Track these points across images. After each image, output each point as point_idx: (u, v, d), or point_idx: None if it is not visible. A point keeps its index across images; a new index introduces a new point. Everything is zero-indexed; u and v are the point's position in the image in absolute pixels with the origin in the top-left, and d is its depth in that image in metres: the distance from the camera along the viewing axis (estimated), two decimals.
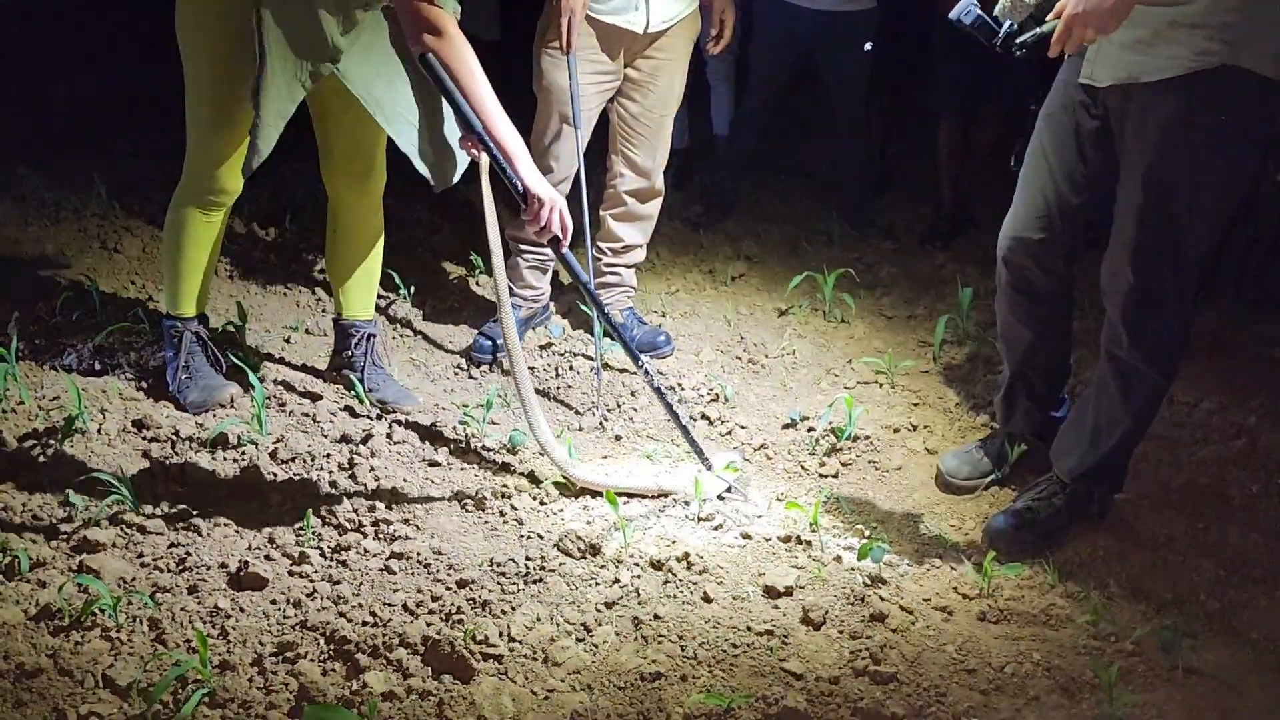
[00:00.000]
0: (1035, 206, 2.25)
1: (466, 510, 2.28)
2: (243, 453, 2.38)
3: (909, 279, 3.81)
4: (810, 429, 2.72)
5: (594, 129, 3.00)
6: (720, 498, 2.35)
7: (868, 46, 3.96)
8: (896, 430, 2.75)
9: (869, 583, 2.09)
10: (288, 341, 3.09)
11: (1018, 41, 2.00)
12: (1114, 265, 2.14)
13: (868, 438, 2.68)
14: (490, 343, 3.00)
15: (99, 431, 2.43)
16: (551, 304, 3.25)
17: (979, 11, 2.05)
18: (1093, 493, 2.31)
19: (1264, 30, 1.89)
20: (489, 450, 2.52)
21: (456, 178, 2.49)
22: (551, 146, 2.92)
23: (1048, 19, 1.94)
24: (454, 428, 2.59)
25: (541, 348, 3.11)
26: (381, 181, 2.64)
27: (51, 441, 2.36)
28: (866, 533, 2.31)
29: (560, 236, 2.25)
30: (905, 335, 3.35)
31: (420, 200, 3.86)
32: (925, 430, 2.77)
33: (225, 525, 2.14)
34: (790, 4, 3.91)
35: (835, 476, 2.55)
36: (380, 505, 2.24)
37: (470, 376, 2.98)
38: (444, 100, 2.27)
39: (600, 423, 2.74)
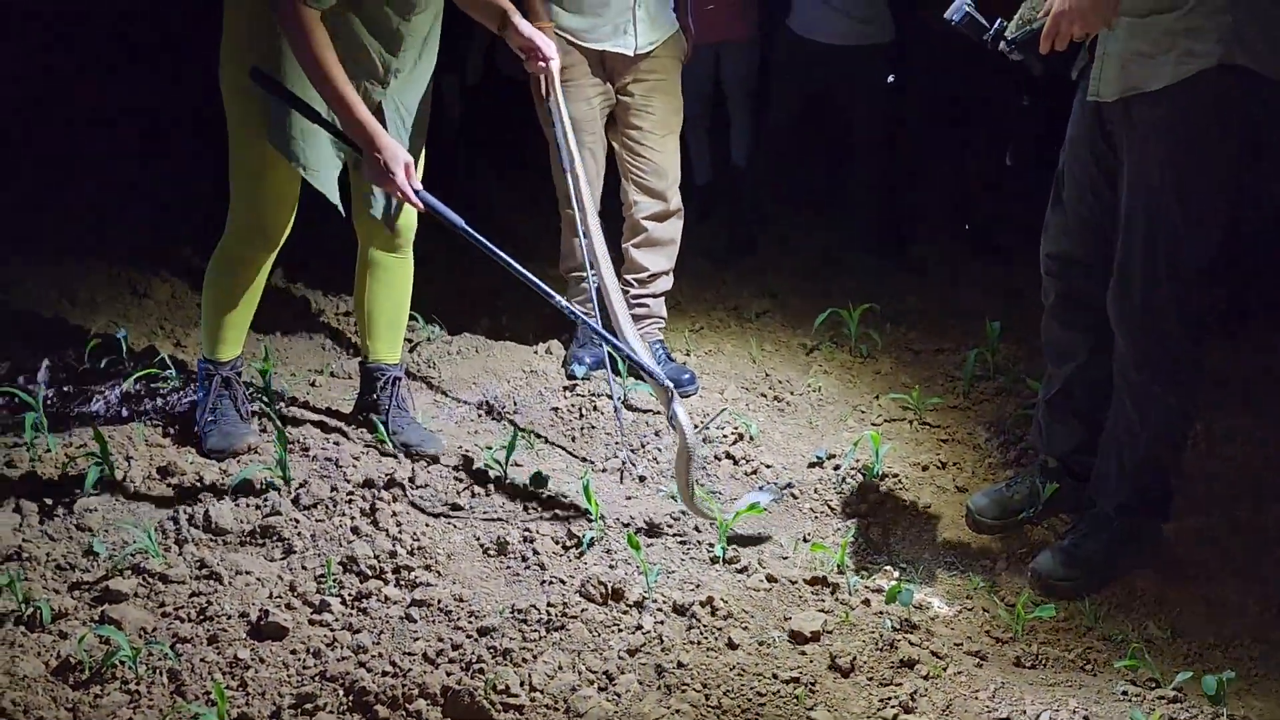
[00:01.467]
0: (1069, 223, 2.25)
1: (489, 555, 2.26)
2: (265, 499, 2.37)
3: (936, 312, 3.77)
4: (837, 467, 2.68)
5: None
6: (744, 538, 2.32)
7: (890, 79, 3.96)
8: (925, 468, 2.70)
9: (898, 627, 2.04)
10: (313, 385, 3.10)
11: (1007, 38, 2.01)
12: (1117, 284, 2.12)
13: (896, 476, 2.64)
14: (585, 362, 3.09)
15: (125, 479, 2.44)
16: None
17: (969, 9, 2.05)
18: (1139, 525, 2.26)
19: (1255, 27, 1.89)
20: (512, 493, 2.50)
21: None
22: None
23: (1037, 16, 1.96)
24: (477, 471, 2.58)
25: (565, 388, 3.10)
26: (412, 228, 2.66)
27: (77, 489, 2.37)
28: (895, 574, 2.26)
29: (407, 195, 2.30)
30: (933, 370, 3.31)
31: (445, 238, 3.88)
32: (955, 468, 2.72)
33: (247, 574, 2.13)
34: (808, 38, 3.92)
35: (863, 516, 2.50)
36: (402, 551, 2.22)
37: (494, 418, 2.97)
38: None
39: (623, 465, 2.71)
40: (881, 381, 3.23)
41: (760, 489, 2.57)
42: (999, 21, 2.06)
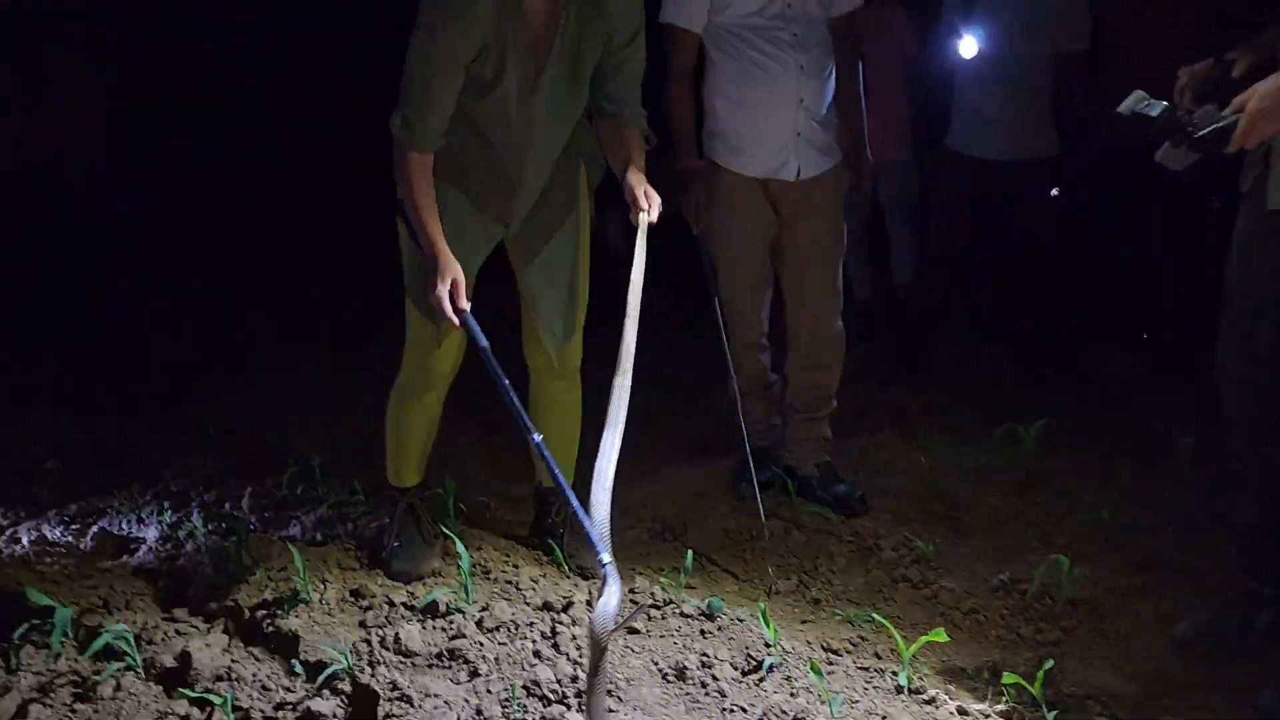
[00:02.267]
0: (1243, 341, 2.14)
1: (668, 681, 2.25)
2: (450, 621, 2.44)
3: (1121, 428, 3.61)
4: (1023, 591, 2.57)
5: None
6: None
7: (1054, 192, 3.90)
8: (1122, 593, 2.55)
9: None
10: (489, 507, 3.21)
11: (1196, 137, 1.93)
12: None
13: (1089, 602, 2.50)
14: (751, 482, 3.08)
15: (320, 600, 2.56)
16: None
17: (1168, 106, 1.98)
18: None
19: None
20: (688, 617, 2.50)
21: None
22: (749, 302, 3.06)
23: (1224, 112, 1.89)
24: (651, 594, 2.59)
25: (734, 509, 3.10)
26: (577, 357, 2.75)
27: (278, 611, 2.50)
28: (1097, 709, 2.12)
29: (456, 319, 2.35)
30: (1122, 487, 3.15)
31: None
32: (1155, 593, 2.56)
33: (435, 696, 2.18)
34: (971, 155, 3.92)
35: (1056, 645, 2.37)
36: (583, 675, 2.23)
37: (664, 540, 2.99)
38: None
39: (794, 587, 2.67)
40: (1064, 501, 3.09)
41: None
42: (1188, 119, 1.98)
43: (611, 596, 1.93)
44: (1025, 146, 3.86)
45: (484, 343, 2.42)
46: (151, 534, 3.01)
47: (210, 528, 2.95)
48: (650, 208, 2.44)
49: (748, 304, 3.05)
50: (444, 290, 2.37)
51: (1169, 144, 2.02)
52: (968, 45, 3.80)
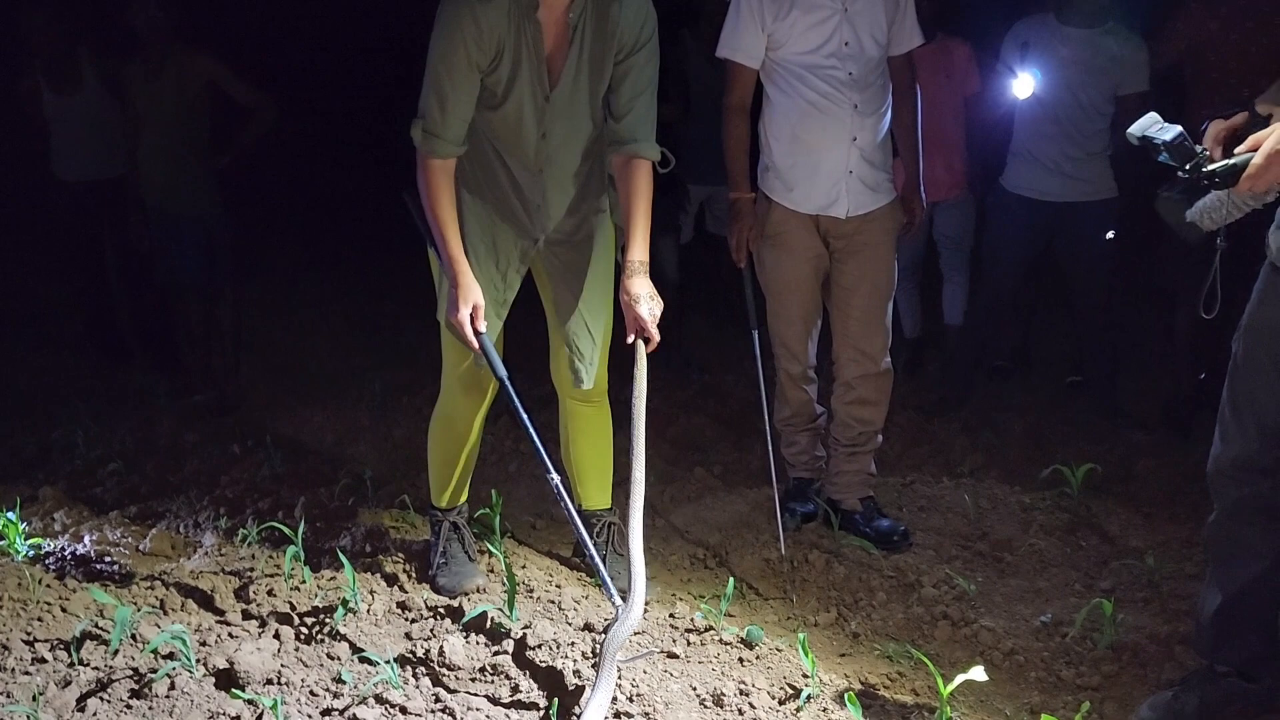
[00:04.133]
0: (1258, 426, 2.04)
1: (705, 707, 2.28)
2: (494, 637, 2.50)
3: (1167, 472, 3.57)
4: (1065, 635, 2.56)
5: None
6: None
7: (1109, 235, 3.89)
8: (1165, 641, 2.53)
9: None
10: (534, 527, 3.26)
11: (1206, 170, 1.84)
12: None
13: (1131, 647, 2.49)
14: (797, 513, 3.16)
15: (368, 611, 2.63)
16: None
17: (1183, 132, 1.87)
18: None
19: None
20: (726, 644, 2.52)
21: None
22: (798, 335, 3.09)
23: (1236, 151, 1.81)
24: (691, 619, 2.62)
25: (777, 539, 3.12)
26: (604, 380, 2.77)
27: (328, 620, 2.57)
28: None
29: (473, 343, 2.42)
30: (1167, 534, 3.12)
31: (657, 390, 4.04)
32: None
33: (476, 710, 2.23)
34: (1027, 197, 3.93)
35: (1096, 690, 2.36)
36: (621, 696, 2.27)
37: (707, 567, 3.02)
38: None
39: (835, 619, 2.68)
40: (1109, 545, 3.07)
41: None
42: (1203, 150, 1.89)
43: (626, 625, 2.06)
44: (1080, 189, 3.86)
45: (502, 374, 2.48)
46: (208, 539, 3.10)
47: (264, 534, 3.03)
48: (645, 331, 2.44)
49: (796, 337, 3.09)
50: (465, 313, 2.42)
51: (1166, 191, 1.95)
52: (1024, 86, 3.82)
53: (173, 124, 4.35)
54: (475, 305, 2.44)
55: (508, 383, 2.50)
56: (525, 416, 2.48)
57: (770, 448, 3.14)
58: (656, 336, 2.48)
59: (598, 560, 2.48)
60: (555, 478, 2.47)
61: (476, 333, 2.45)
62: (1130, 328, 4.37)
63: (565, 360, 2.68)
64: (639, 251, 2.47)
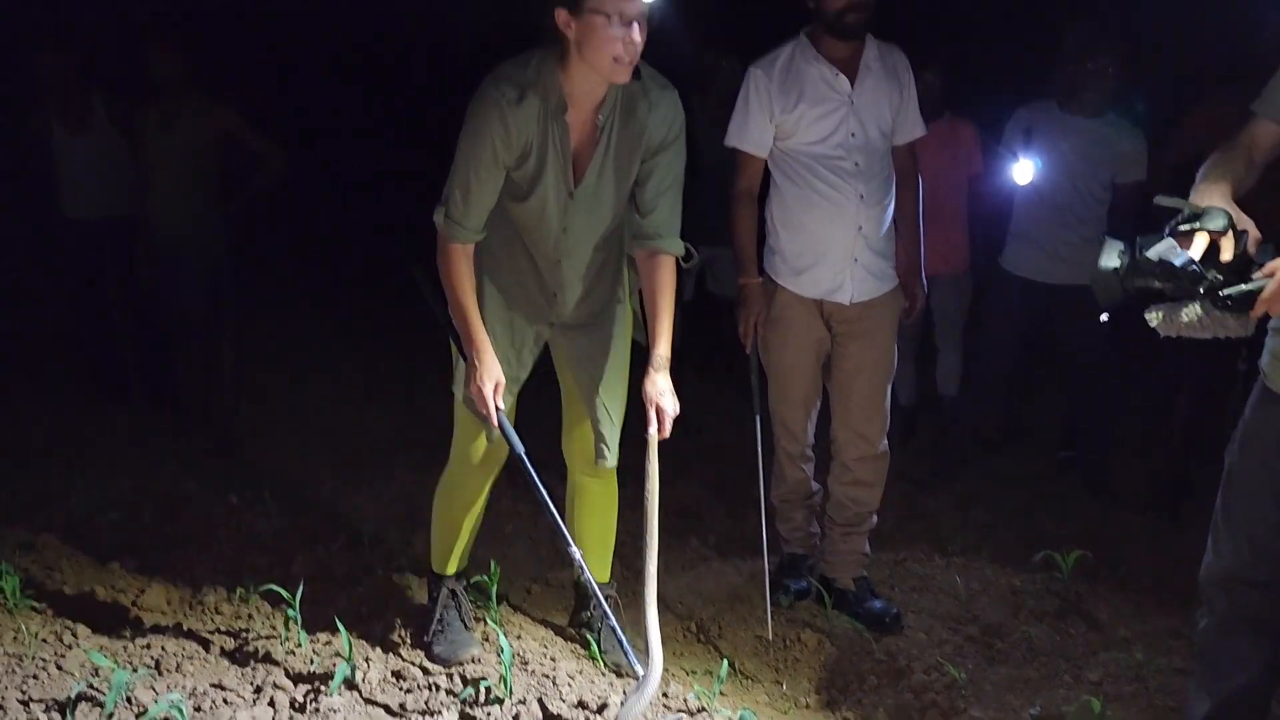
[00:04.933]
0: (1250, 542, 2.08)
1: None
2: (488, 712, 2.51)
3: (1156, 558, 3.61)
4: None
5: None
6: None
7: (1104, 317, 3.95)
8: None
9: None
10: (529, 592, 3.28)
11: (1222, 294, 1.85)
12: None
13: None
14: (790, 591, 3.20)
15: (363, 679, 2.64)
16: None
17: (1195, 259, 1.85)
18: None
19: None
20: None
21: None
22: (798, 416, 3.13)
23: (1255, 275, 1.83)
24: (684, 700, 2.64)
25: (771, 615, 3.14)
26: (615, 454, 2.80)
27: (323, 687, 2.58)
28: None
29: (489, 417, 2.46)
30: (1157, 624, 3.15)
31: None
32: None
33: None
34: (1025, 277, 4.00)
35: None
36: None
37: (699, 640, 3.04)
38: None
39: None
40: (1098, 634, 3.10)
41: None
42: (1213, 273, 1.88)
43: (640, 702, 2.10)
44: (1077, 272, 3.92)
45: (520, 449, 2.52)
46: (206, 596, 3.11)
47: (262, 592, 3.05)
48: (663, 426, 2.51)
49: (796, 417, 3.13)
50: (487, 388, 2.47)
51: (1156, 308, 1.93)
52: (1024, 170, 3.90)
53: (184, 170, 4.41)
54: (497, 382, 2.49)
55: (526, 458, 2.54)
56: (544, 492, 2.52)
57: (765, 522, 3.17)
58: (668, 433, 2.54)
59: (620, 635, 2.54)
60: (577, 553, 2.53)
61: (498, 409, 2.49)
62: (1123, 408, 4.43)
63: (586, 437, 2.72)
64: (663, 346, 2.52)
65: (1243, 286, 1.84)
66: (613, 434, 2.69)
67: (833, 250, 2.95)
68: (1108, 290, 2.01)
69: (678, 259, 2.57)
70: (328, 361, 5.63)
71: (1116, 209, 3.94)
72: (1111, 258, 1.97)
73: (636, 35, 2.26)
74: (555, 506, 2.54)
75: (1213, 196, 1.95)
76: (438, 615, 2.85)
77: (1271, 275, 1.80)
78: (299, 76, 7.73)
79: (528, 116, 2.38)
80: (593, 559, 2.92)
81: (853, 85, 2.91)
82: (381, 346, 5.86)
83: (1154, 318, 1.97)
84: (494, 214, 2.50)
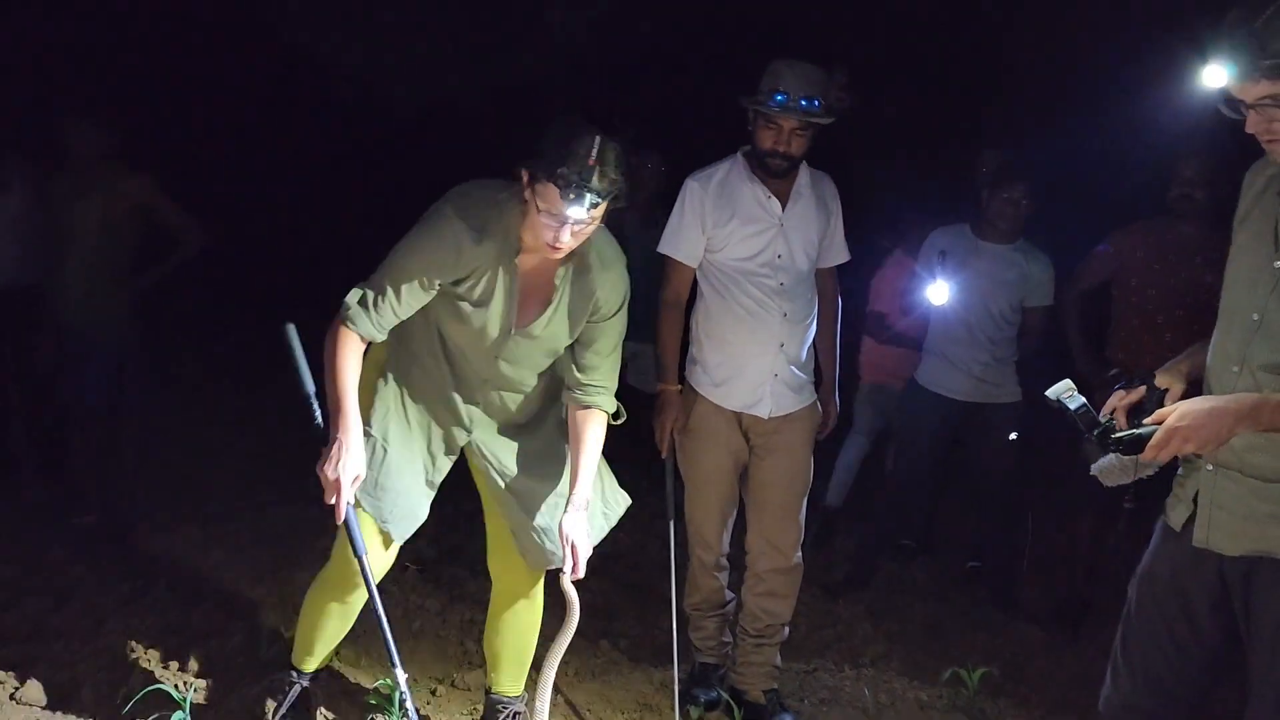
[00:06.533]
0: (1145, 675, 2.14)
1: None
2: None
3: (1058, 674, 3.68)
4: None
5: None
6: None
7: (1013, 437, 4.08)
8: None
9: None
10: (433, 694, 3.18)
11: (1113, 438, 1.95)
12: None
13: None
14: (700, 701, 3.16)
15: None
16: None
17: (1085, 403, 1.98)
18: None
19: None
20: None
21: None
22: (713, 525, 3.14)
23: (1145, 421, 1.91)
24: None
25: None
26: (541, 573, 2.77)
27: None
28: None
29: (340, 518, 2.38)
30: None
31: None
32: None
33: None
34: (934, 392, 4.11)
35: None
36: None
37: None
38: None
39: None
40: None
41: None
42: (1108, 418, 2.00)
43: None
44: (987, 390, 4.06)
45: (362, 550, 2.41)
46: (86, 693, 2.93)
47: (148, 691, 2.89)
48: (576, 567, 2.48)
49: (712, 527, 3.14)
50: (346, 477, 2.35)
51: (1086, 441, 2.02)
52: (938, 292, 4.04)
53: (96, 242, 4.28)
54: (357, 476, 2.39)
55: (364, 560, 2.44)
56: (378, 602, 2.45)
57: (676, 630, 3.14)
58: (581, 574, 2.51)
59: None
60: (404, 676, 2.47)
61: (349, 503, 2.38)
62: (1029, 524, 4.54)
63: (523, 542, 2.65)
64: (583, 491, 2.51)
65: (1133, 431, 1.94)
66: (555, 525, 2.59)
67: (754, 365, 3.00)
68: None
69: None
70: (235, 436, 5.46)
71: (1026, 332, 4.10)
72: (1058, 388, 2.03)
73: (567, 236, 2.27)
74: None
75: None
76: (283, 712, 2.73)
77: (1159, 423, 1.88)
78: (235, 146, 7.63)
79: (483, 254, 2.39)
80: (506, 671, 2.86)
81: (784, 209, 3.00)
82: (295, 431, 5.70)
83: (1095, 469, 2.16)
84: (429, 320, 2.49)
